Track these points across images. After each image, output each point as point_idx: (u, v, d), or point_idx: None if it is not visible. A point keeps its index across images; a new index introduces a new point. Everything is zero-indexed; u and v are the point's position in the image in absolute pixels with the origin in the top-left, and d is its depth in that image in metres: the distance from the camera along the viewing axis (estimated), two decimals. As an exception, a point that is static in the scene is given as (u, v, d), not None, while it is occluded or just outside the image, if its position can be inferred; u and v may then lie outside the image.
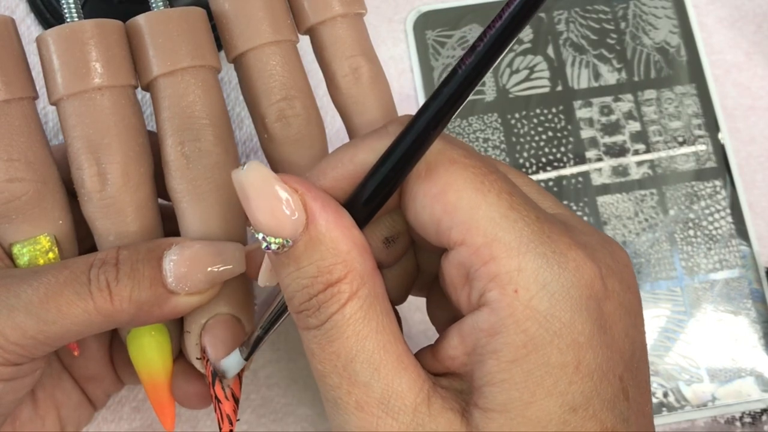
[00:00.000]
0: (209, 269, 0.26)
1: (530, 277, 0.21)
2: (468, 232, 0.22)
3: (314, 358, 0.22)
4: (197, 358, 0.27)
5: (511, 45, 0.20)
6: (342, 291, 0.22)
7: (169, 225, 0.29)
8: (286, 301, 0.23)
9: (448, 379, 0.23)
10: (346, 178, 0.23)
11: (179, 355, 0.29)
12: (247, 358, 0.26)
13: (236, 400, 0.27)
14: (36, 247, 0.27)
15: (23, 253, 0.27)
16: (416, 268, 0.28)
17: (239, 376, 0.27)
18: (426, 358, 0.23)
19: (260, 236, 0.22)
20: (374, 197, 0.23)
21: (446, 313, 0.27)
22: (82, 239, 0.29)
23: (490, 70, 0.21)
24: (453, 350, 0.23)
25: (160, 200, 0.29)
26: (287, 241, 0.22)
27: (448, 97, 0.21)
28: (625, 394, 0.22)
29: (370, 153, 0.23)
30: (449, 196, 0.22)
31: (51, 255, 0.27)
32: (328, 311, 0.22)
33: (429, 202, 0.22)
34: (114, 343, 0.32)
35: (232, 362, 0.26)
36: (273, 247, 0.22)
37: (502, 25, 0.20)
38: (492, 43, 0.20)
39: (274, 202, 0.21)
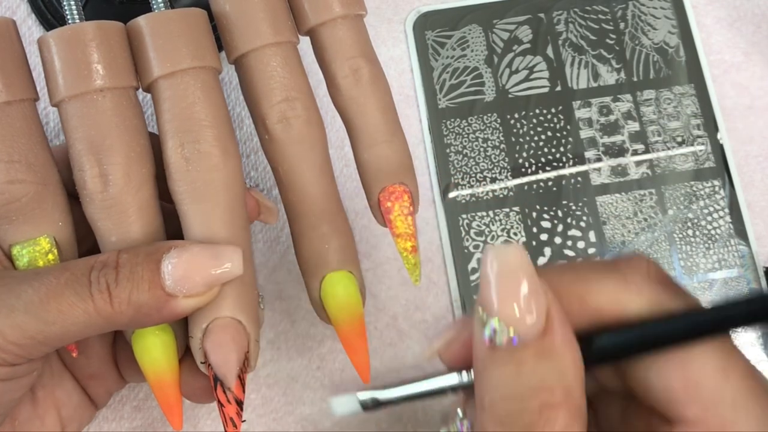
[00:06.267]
0: (207, 272, 0.26)
1: None
2: (707, 411, 0.21)
3: None
4: (201, 363, 0.27)
5: None
6: (557, 418, 0.20)
7: (172, 225, 0.29)
8: (484, 400, 0.21)
9: None
10: (569, 313, 0.22)
11: (186, 350, 0.29)
12: (365, 409, 0.24)
13: (239, 403, 0.27)
14: (36, 248, 0.27)
15: (23, 255, 0.27)
16: None
17: (241, 379, 0.27)
18: None
19: (491, 322, 0.20)
20: (616, 352, 0.22)
21: None
22: (81, 239, 0.29)
23: None
24: None
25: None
26: (515, 337, 0.20)
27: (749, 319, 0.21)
28: None
29: (604, 299, 0.22)
30: (692, 372, 0.21)
31: (51, 256, 0.27)
32: None
33: (667, 370, 0.22)
34: (117, 341, 0.32)
35: (343, 404, 0.24)
36: (500, 337, 0.20)
37: None
38: None
39: (523, 292, 0.20)
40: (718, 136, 0.42)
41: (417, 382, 0.23)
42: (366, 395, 0.23)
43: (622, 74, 0.43)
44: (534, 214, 0.41)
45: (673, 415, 0.22)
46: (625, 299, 0.22)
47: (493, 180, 0.41)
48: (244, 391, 0.27)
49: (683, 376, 0.21)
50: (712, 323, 0.21)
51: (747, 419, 0.21)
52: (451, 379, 0.23)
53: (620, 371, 0.23)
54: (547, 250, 0.40)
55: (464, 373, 0.23)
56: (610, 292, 0.22)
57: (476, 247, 0.40)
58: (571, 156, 0.41)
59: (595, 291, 0.22)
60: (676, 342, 0.21)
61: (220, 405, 0.27)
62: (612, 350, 0.22)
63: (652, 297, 0.22)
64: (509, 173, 0.41)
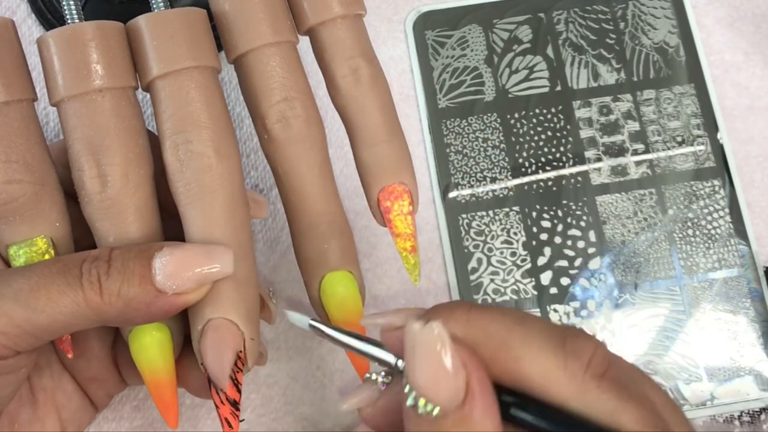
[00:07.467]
0: (197, 270, 0.26)
1: None
2: None
3: None
4: (201, 364, 0.27)
5: None
6: None
7: (172, 225, 0.29)
8: None
9: None
10: (502, 364, 0.23)
11: (188, 346, 0.29)
12: (312, 329, 0.25)
13: (233, 403, 0.27)
14: (32, 248, 0.27)
15: (20, 255, 0.27)
16: None
17: (234, 380, 0.27)
18: None
19: (411, 395, 0.21)
20: (526, 423, 0.22)
21: None
22: (79, 238, 0.29)
23: None
24: None
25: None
26: (437, 408, 0.21)
27: None
28: None
29: (537, 372, 0.22)
30: None
31: (47, 257, 0.27)
32: None
33: None
34: (117, 344, 0.32)
35: (298, 319, 0.26)
36: (422, 410, 0.21)
37: None
38: None
39: (440, 368, 0.21)
40: (718, 136, 0.42)
41: (359, 340, 0.25)
42: (316, 324, 0.26)
43: (622, 74, 0.43)
44: (534, 214, 0.41)
45: None
46: (555, 382, 0.22)
47: (493, 180, 0.41)
48: (239, 391, 0.27)
49: None
50: None
51: None
52: (387, 357, 0.24)
53: None
54: (547, 250, 0.40)
55: (400, 361, 0.24)
56: (545, 368, 0.22)
57: (476, 246, 0.40)
58: (571, 156, 0.41)
59: (533, 359, 0.22)
60: None
61: (216, 406, 0.27)
62: (523, 420, 0.22)
63: (580, 393, 0.22)
64: (509, 173, 0.41)
